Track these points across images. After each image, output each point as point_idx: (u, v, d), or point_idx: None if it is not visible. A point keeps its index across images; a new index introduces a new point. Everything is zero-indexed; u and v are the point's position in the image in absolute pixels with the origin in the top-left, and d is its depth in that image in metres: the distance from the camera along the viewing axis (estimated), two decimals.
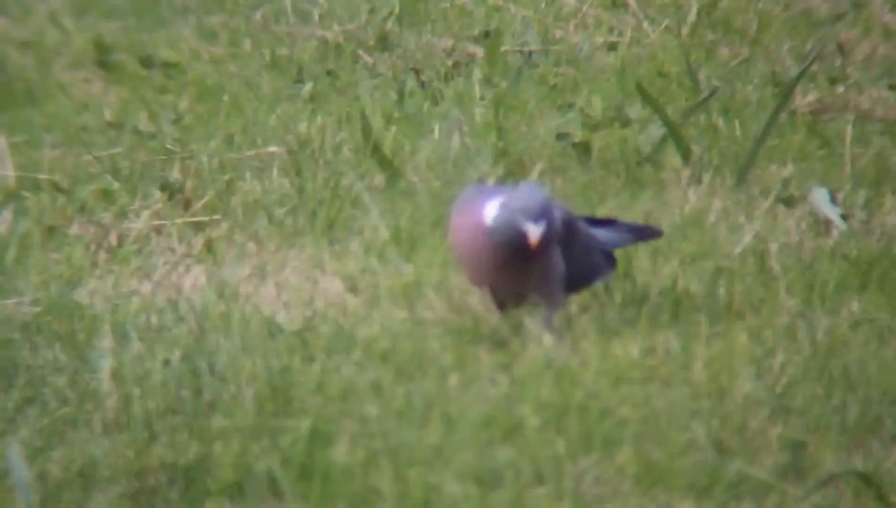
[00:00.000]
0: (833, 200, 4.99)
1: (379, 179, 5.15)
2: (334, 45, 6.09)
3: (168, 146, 5.42)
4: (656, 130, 5.24)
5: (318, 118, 5.47)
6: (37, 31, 6.55)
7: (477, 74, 5.69)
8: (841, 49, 5.89)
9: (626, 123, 5.33)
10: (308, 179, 5.08)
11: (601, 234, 4.29)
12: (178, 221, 5.03)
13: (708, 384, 4.01)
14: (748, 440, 3.87)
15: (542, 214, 3.94)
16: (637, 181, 5.13)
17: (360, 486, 3.73)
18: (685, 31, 5.99)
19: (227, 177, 5.18)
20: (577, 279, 4.19)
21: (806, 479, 3.81)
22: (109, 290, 4.67)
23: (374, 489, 3.72)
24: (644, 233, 4.38)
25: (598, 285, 4.30)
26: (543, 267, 4.05)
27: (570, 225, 4.14)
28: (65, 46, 6.43)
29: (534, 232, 3.91)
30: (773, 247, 4.69)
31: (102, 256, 4.95)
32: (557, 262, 4.11)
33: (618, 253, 4.51)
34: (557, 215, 4.09)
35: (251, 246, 4.87)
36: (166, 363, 4.12)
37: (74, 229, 5.09)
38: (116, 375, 4.08)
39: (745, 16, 6.13)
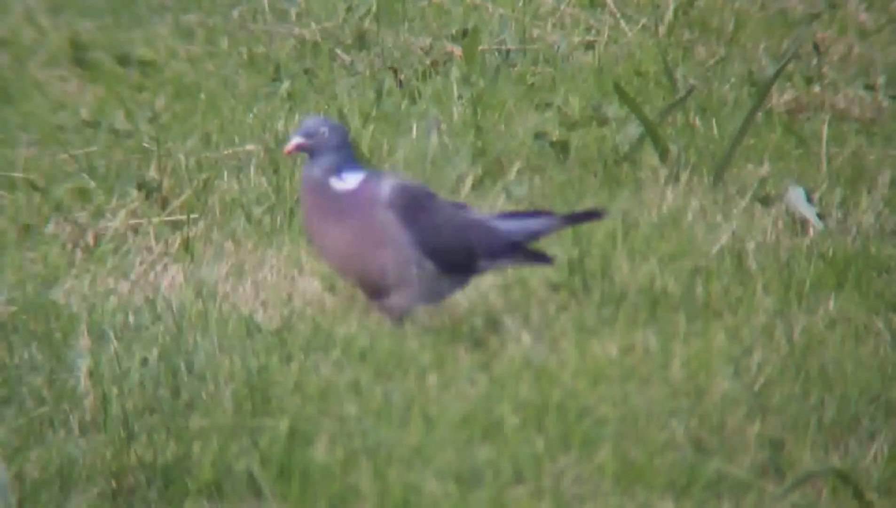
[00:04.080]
0: (809, 199, 5.01)
1: None
2: (312, 44, 6.08)
3: (145, 145, 5.40)
4: (634, 130, 5.24)
5: (296, 117, 5.46)
6: (12, 30, 6.53)
7: (455, 72, 5.69)
8: (817, 49, 5.91)
9: (603, 122, 5.34)
10: (286, 177, 5.08)
11: (515, 223, 4.22)
12: (155, 220, 5.02)
13: (686, 383, 4.02)
14: (726, 438, 3.88)
15: (301, 130, 4.15)
16: (615, 180, 5.13)
17: (339, 485, 3.72)
18: (662, 30, 6.01)
19: (204, 176, 5.17)
20: (451, 260, 4.12)
21: (784, 477, 3.82)
22: (86, 289, 4.65)
23: (354, 488, 3.71)
24: (580, 216, 4.31)
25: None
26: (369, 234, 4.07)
27: (416, 196, 4.11)
28: (41, 45, 6.40)
29: (291, 142, 4.17)
30: (750, 246, 4.70)
31: (79, 255, 4.94)
32: (399, 240, 4.10)
33: (596, 252, 4.52)
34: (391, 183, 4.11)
35: (229, 245, 4.86)
36: (144, 362, 4.11)
37: (50, 228, 5.07)
38: (94, 374, 4.07)
39: (722, 15, 6.14)
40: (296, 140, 4.15)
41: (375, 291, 4.13)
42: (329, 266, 4.18)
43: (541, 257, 4.24)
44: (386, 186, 4.12)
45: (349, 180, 4.13)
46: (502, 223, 4.22)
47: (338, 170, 4.12)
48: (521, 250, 4.21)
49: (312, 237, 4.16)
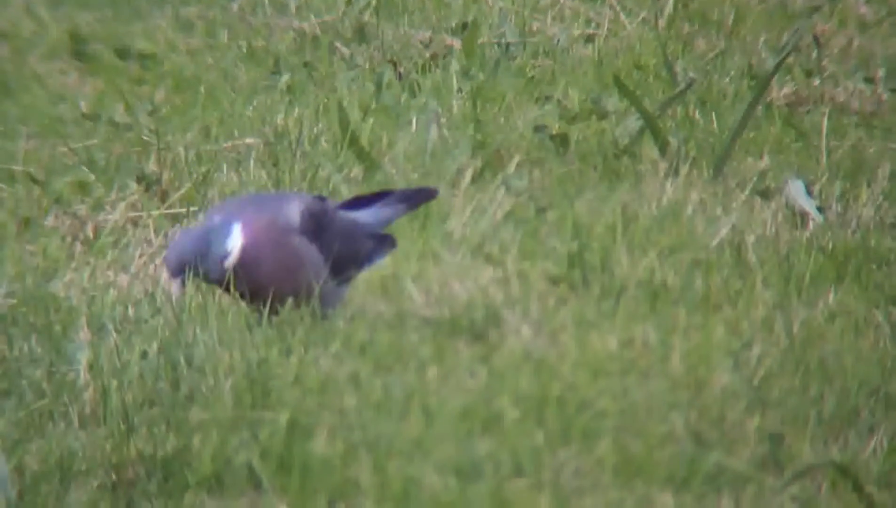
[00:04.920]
0: (809, 192, 5.01)
1: (356, 170, 5.15)
2: (311, 37, 6.08)
3: (144, 138, 5.40)
4: (633, 123, 5.24)
5: (296, 110, 5.46)
6: (12, 22, 6.52)
7: (454, 65, 5.69)
8: (817, 41, 5.90)
9: (603, 115, 5.33)
10: (285, 170, 5.08)
11: (370, 214, 4.24)
12: (155, 212, 5.02)
13: (686, 376, 4.02)
14: (726, 431, 3.88)
15: (173, 271, 4.04)
16: (614, 173, 5.13)
17: (339, 478, 3.72)
18: (662, 23, 6.00)
19: (203, 169, 5.17)
20: (343, 267, 4.16)
21: (783, 470, 3.82)
22: (86, 282, 4.65)
23: (354, 481, 3.72)
24: (417, 197, 4.34)
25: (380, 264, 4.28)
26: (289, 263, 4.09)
27: (318, 216, 4.14)
28: (40, 37, 6.40)
29: (173, 290, 4.06)
30: (750, 239, 4.70)
31: (78, 248, 4.94)
32: (315, 261, 4.11)
33: (595, 245, 4.52)
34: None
35: None
36: (143, 355, 4.11)
37: (50, 221, 5.07)
38: (93, 367, 4.07)
39: (722, 8, 6.14)
40: (176, 286, 4.05)
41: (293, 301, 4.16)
42: (244, 300, 4.16)
43: (392, 243, 4.28)
44: (294, 213, 4.12)
45: (234, 239, 4.08)
46: (362, 216, 4.24)
47: (224, 256, 4.08)
48: (387, 243, 4.24)
49: (238, 294, 4.12)
